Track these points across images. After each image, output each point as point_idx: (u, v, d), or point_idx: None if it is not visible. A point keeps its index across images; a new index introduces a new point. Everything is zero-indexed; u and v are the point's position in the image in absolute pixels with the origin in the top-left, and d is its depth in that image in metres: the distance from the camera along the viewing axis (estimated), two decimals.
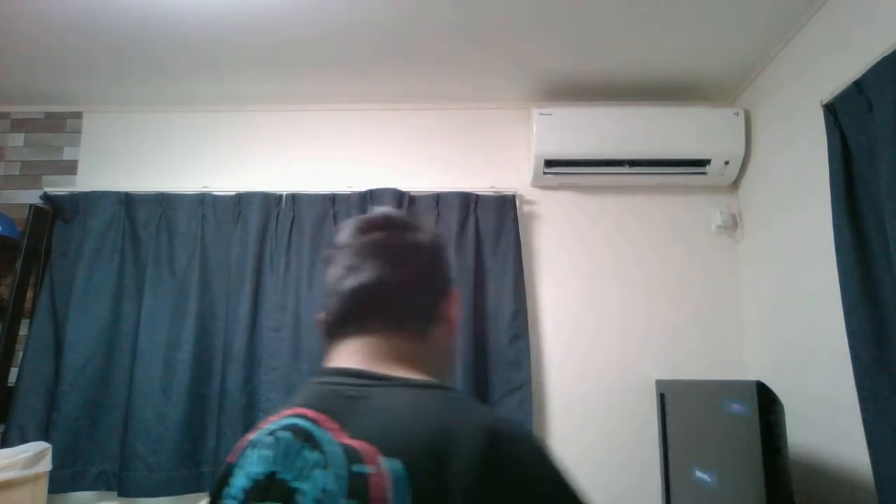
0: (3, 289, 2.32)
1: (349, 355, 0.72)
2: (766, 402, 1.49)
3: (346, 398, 0.64)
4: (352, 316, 0.73)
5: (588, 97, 2.39)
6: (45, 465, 1.89)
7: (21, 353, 2.22)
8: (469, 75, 2.27)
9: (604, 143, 2.23)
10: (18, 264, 2.24)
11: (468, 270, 2.22)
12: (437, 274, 0.79)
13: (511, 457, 0.56)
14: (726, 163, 2.24)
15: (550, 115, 2.24)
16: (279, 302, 2.22)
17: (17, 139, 2.51)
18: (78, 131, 2.51)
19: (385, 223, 0.78)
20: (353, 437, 0.59)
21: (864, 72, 1.48)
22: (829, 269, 1.63)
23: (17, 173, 2.48)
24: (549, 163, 2.28)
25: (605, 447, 2.21)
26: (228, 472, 0.67)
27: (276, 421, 0.66)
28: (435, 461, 0.54)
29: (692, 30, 1.95)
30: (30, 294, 2.29)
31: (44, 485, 1.90)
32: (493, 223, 2.29)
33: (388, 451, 0.56)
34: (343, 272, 0.75)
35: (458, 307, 0.82)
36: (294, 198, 2.33)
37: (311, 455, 0.59)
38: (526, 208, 2.39)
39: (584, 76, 2.26)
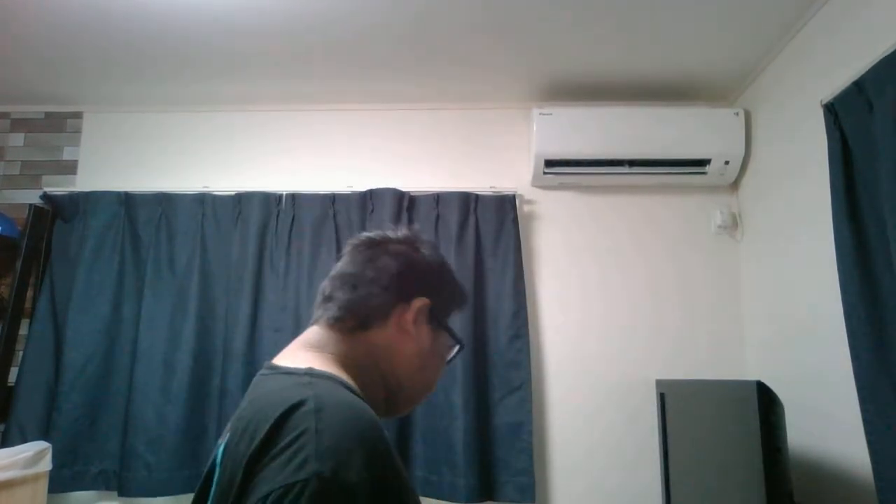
0: (3, 289, 2.32)
1: (289, 346, 0.81)
2: (766, 402, 1.49)
3: (253, 386, 0.73)
4: (316, 305, 0.84)
5: (588, 97, 2.39)
6: (45, 464, 1.89)
7: (21, 353, 2.22)
8: (469, 75, 2.27)
9: (604, 143, 2.23)
10: (18, 264, 2.24)
11: (468, 270, 2.22)
12: (400, 280, 0.81)
13: (281, 436, 0.57)
14: (726, 163, 2.24)
15: (550, 114, 2.24)
16: (279, 302, 2.21)
17: (17, 139, 2.51)
18: (78, 131, 2.51)
19: (388, 238, 0.86)
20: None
21: (864, 72, 1.48)
22: (829, 268, 1.63)
23: (17, 173, 2.48)
24: (550, 163, 2.28)
25: (605, 447, 2.21)
26: None
27: None
28: (244, 434, 0.60)
29: (692, 30, 1.95)
30: (30, 294, 2.29)
31: (44, 484, 1.91)
32: (493, 223, 2.29)
33: (230, 428, 0.64)
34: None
35: (423, 324, 0.81)
36: (294, 198, 2.33)
37: None
38: (526, 208, 2.39)
39: (585, 76, 2.26)
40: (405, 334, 0.80)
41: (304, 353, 0.77)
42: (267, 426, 0.58)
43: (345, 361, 0.76)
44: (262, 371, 0.75)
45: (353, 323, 0.79)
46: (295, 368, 0.71)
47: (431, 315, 0.83)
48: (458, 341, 0.88)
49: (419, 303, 0.81)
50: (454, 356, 0.90)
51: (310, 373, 0.69)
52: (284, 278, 2.24)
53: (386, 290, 0.80)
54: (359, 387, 0.73)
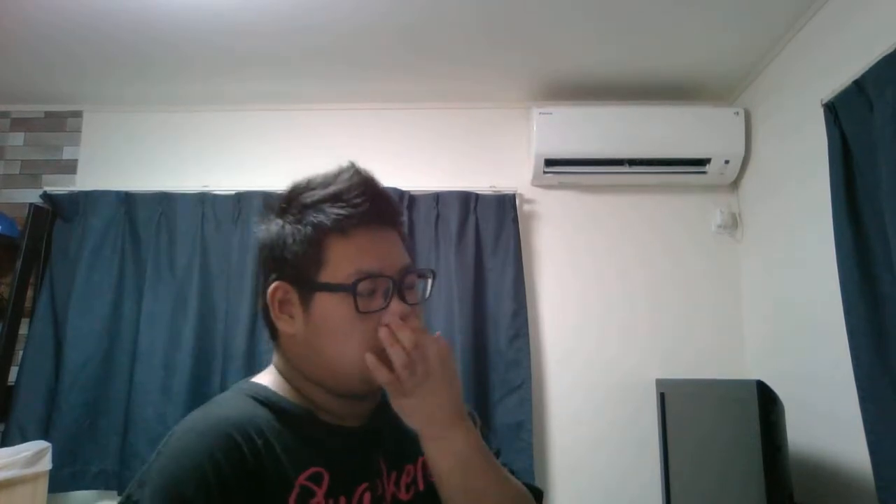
0: (3, 288, 2.32)
1: None
2: (766, 402, 1.49)
3: None
4: None
5: (588, 97, 2.39)
6: (45, 464, 1.89)
7: (21, 353, 2.22)
8: (469, 75, 2.27)
9: (604, 143, 2.23)
10: (18, 264, 2.24)
11: (468, 270, 2.22)
12: (261, 273, 0.75)
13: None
14: (726, 162, 2.24)
15: (550, 114, 2.24)
16: None
17: (17, 139, 2.51)
18: (78, 131, 2.51)
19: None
20: None
21: (864, 71, 1.48)
22: (829, 268, 1.63)
23: (17, 173, 2.48)
24: (550, 162, 2.28)
25: (604, 446, 2.21)
26: None
27: None
28: None
29: (692, 30, 1.95)
30: (30, 294, 2.29)
31: (44, 484, 1.91)
32: (493, 223, 2.29)
33: None
34: None
35: (294, 306, 0.71)
36: None
37: None
38: (526, 207, 2.39)
39: (585, 76, 2.26)
40: (285, 326, 0.72)
41: (267, 365, 0.79)
42: None
43: (280, 370, 0.76)
44: None
45: (271, 336, 0.78)
46: (241, 381, 0.78)
47: (300, 290, 0.71)
48: (350, 286, 0.68)
49: (271, 289, 0.71)
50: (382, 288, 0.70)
51: (238, 388, 0.75)
52: None
53: (259, 293, 0.76)
54: (294, 390, 0.74)
